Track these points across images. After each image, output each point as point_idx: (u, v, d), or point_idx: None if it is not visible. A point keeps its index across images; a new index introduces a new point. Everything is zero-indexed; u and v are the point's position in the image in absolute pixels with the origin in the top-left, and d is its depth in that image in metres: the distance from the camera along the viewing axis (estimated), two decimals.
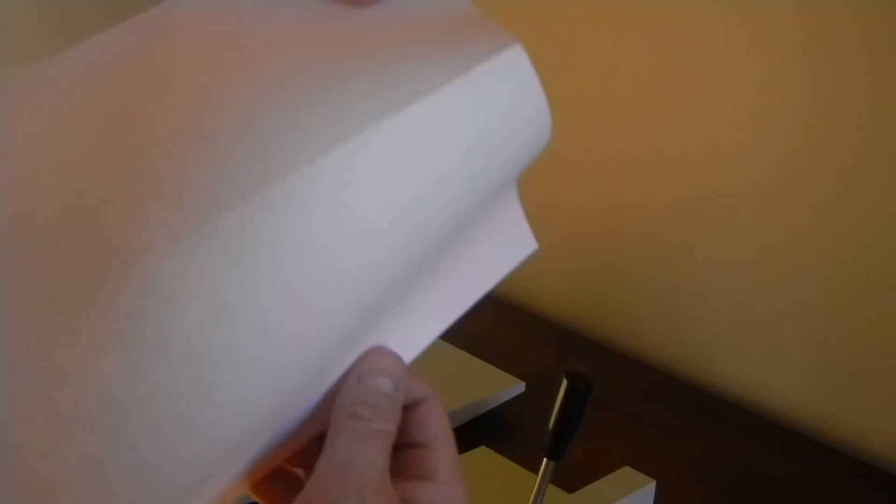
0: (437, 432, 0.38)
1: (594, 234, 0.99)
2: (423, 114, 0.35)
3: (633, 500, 0.69)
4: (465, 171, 0.37)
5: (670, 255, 0.93)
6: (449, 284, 0.39)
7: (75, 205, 0.33)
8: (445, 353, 0.87)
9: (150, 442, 0.32)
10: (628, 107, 0.94)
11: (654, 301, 0.96)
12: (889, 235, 0.79)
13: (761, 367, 0.89)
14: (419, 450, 0.38)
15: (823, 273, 0.84)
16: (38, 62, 0.38)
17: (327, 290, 0.34)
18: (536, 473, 0.59)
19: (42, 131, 0.35)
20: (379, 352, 0.37)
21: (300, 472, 0.40)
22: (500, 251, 0.41)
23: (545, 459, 0.58)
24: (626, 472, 0.72)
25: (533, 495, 0.59)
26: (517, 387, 0.84)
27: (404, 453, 0.38)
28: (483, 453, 0.77)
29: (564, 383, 0.56)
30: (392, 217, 0.35)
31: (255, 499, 0.40)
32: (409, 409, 0.38)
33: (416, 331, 0.38)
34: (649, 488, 0.70)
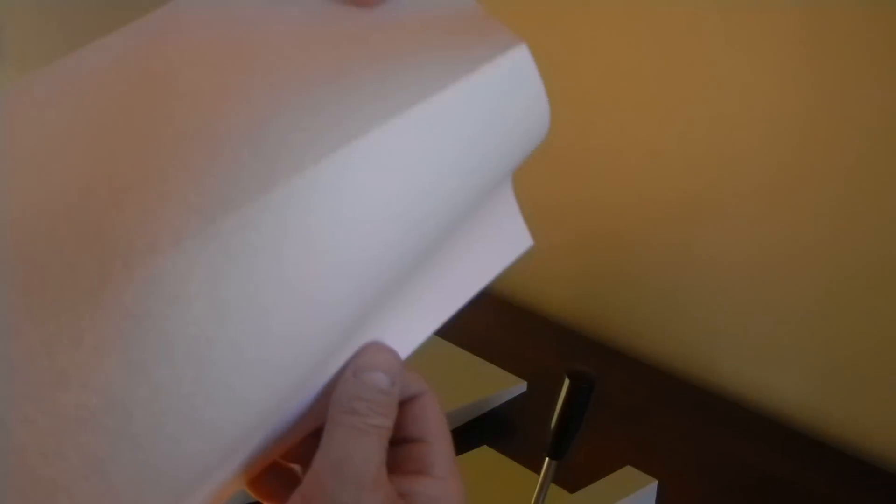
0: (434, 427, 0.38)
1: (595, 234, 0.99)
2: (428, 115, 0.35)
3: (635, 500, 0.69)
4: (465, 169, 0.37)
5: (672, 254, 0.93)
6: (445, 281, 0.39)
7: (80, 207, 0.33)
8: (447, 353, 0.87)
9: (152, 442, 0.32)
10: (629, 106, 0.94)
11: (656, 300, 0.96)
12: (889, 235, 0.79)
13: (762, 366, 0.89)
14: (416, 445, 0.38)
15: (824, 273, 0.84)
16: (43, 66, 0.38)
17: (328, 286, 0.34)
18: (538, 473, 0.59)
19: (48, 134, 0.35)
20: (375, 347, 0.37)
21: (297, 467, 0.40)
22: (496, 247, 0.41)
23: (547, 459, 0.58)
24: (628, 471, 0.71)
25: (535, 495, 0.59)
26: (519, 386, 0.84)
27: (401, 448, 0.38)
28: (485, 453, 0.77)
29: (567, 382, 0.56)
30: (392, 214, 0.35)
31: (253, 495, 0.40)
32: (405, 404, 0.38)
33: (412, 326, 0.38)
34: (651, 488, 0.70)
